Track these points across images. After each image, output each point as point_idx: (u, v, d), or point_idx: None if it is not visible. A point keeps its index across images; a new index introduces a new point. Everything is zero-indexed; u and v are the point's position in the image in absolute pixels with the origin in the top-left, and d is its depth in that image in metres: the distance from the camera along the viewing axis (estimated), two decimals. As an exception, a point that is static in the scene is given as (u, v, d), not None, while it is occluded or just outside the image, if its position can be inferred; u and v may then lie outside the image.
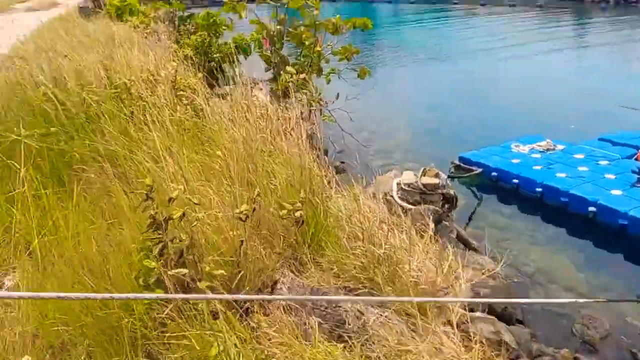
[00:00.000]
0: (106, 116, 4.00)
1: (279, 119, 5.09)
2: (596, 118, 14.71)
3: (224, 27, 10.15)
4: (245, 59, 10.40)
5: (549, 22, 35.69)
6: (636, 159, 10.35)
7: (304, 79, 8.46)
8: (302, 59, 9.57)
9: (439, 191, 7.14)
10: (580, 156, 10.37)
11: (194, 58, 8.86)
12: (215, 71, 8.68)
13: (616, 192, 8.69)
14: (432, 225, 5.33)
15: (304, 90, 8.31)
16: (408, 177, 7.35)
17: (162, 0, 14.20)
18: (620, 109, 14.86)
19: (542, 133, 12.35)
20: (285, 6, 9.43)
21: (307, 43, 9.18)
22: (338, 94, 8.32)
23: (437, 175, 7.34)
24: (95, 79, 4.70)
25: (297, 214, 3.29)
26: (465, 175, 10.13)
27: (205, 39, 9.77)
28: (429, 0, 53.73)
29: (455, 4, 48.18)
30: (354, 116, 9.24)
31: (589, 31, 32.05)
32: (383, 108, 16.46)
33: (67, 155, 3.74)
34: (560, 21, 36.59)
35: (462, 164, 10.80)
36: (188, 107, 4.33)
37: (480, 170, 10.27)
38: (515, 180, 9.86)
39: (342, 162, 9.35)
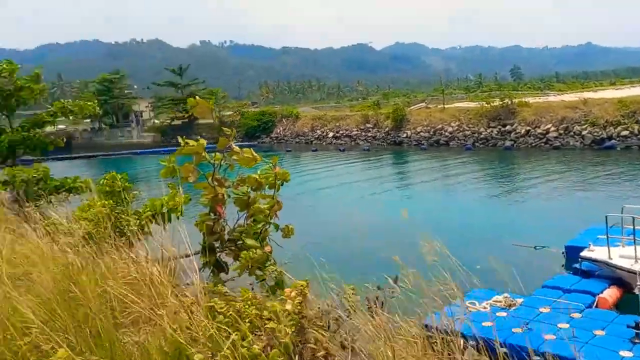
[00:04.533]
0: None
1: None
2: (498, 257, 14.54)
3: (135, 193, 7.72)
4: (165, 229, 7.91)
5: (379, 164, 38.34)
6: (596, 306, 9.83)
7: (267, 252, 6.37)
8: (252, 227, 7.47)
9: None
10: (546, 309, 9.49)
11: (93, 235, 6.31)
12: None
13: (626, 353, 7.75)
14: None
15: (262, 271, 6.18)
16: None
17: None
18: (512, 247, 15.02)
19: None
20: (227, 165, 7.37)
21: (263, 206, 7.15)
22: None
23: None
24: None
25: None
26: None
27: (114, 209, 7.21)
28: (261, 149, 55.17)
29: (289, 151, 49.84)
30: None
31: (423, 168, 34.92)
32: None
33: None
34: (393, 162, 39.77)
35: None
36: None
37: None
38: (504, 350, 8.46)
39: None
